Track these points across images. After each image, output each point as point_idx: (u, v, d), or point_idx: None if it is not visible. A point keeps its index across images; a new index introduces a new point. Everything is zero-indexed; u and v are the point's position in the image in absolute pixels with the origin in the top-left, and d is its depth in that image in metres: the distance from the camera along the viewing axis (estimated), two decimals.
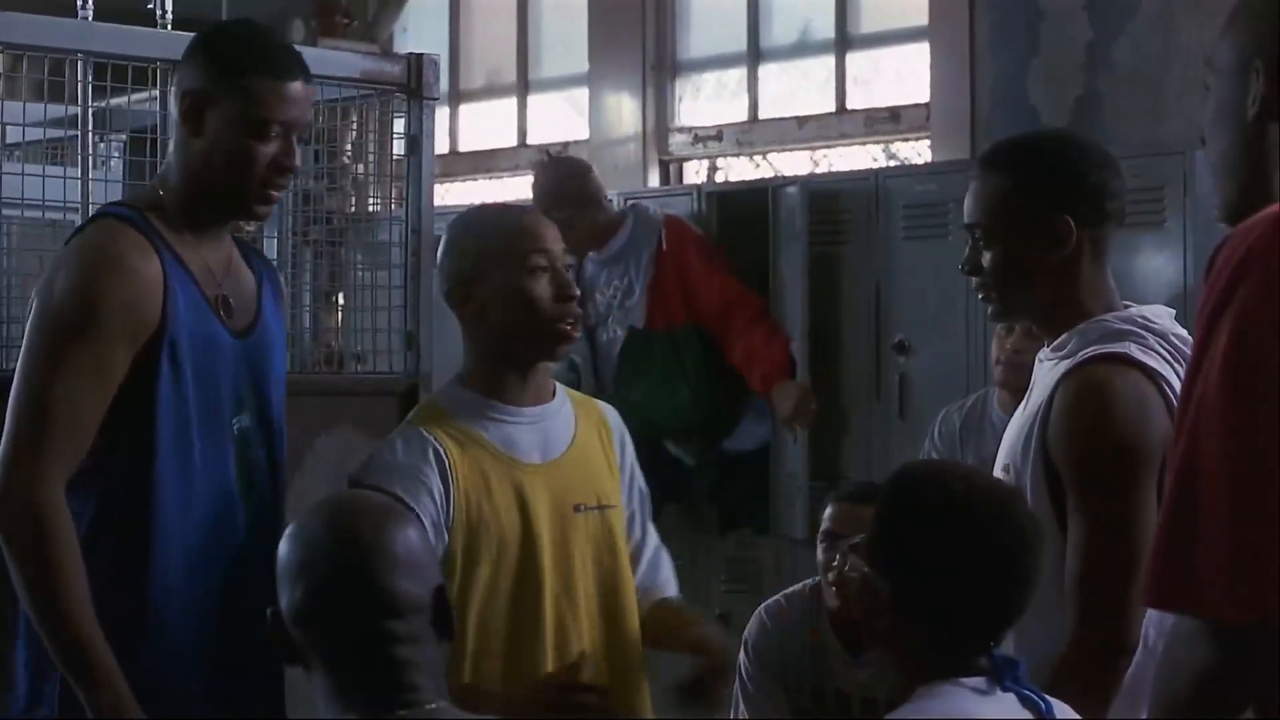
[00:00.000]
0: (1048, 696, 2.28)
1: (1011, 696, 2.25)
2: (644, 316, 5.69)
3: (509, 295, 2.86)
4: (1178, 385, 2.62)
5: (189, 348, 2.75)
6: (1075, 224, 2.68)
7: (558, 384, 3.02)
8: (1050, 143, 2.86)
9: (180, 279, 2.76)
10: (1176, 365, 2.64)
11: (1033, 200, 2.70)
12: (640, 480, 3.12)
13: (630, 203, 6.03)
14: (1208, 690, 1.74)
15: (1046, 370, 2.71)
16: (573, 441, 2.96)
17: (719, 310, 5.67)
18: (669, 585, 3.12)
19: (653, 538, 3.13)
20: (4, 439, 2.67)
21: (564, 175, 5.71)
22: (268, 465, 2.90)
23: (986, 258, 2.75)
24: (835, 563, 3.89)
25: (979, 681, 2.24)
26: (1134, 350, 2.61)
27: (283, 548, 2.21)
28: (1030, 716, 2.24)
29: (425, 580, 2.18)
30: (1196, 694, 1.75)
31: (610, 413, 3.11)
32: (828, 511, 4.03)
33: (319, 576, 2.15)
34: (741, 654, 4.13)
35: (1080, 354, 2.63)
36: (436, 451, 2.84)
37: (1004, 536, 2.25)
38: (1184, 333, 2.69)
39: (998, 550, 2.24)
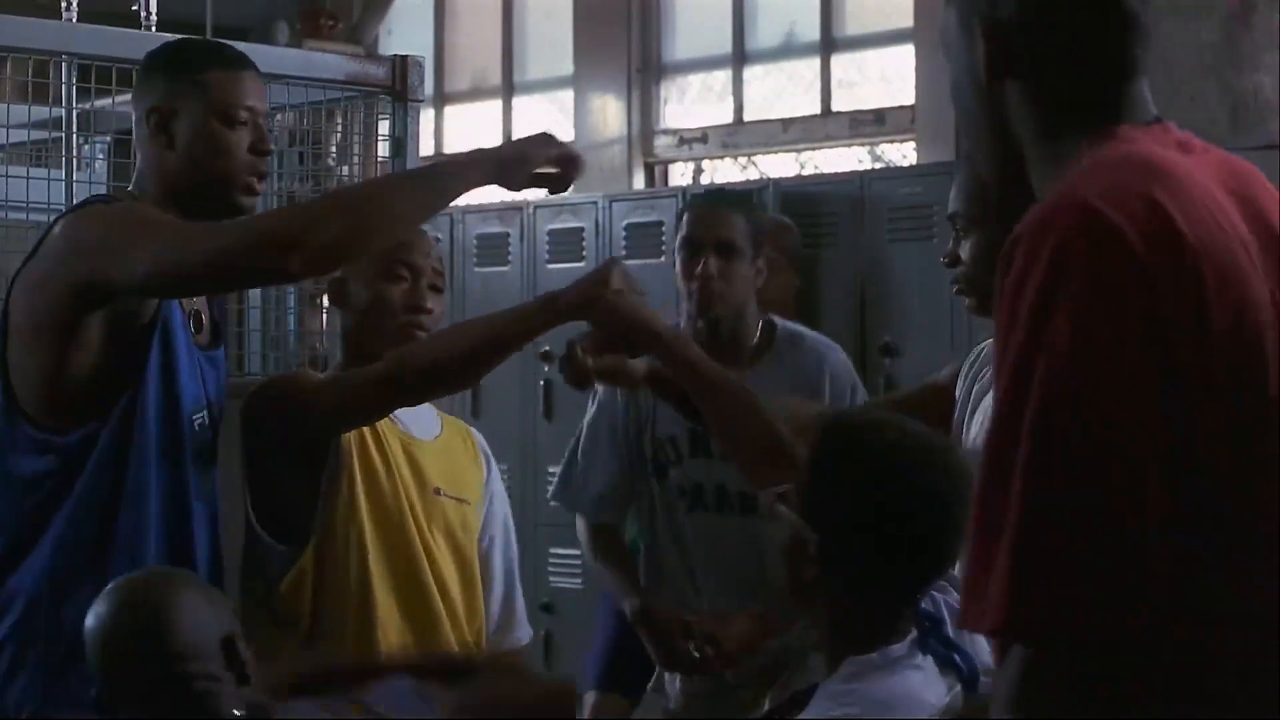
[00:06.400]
0: (966, 650, 2.24)
1: (930, 661, 2.23)
2: None
3: (368, 296, 3.04)
4: None
5: (173, 339, 2.79)
6: None
7: None
8: None
9: None
10: None
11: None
12: (505, 510, 3.25)
13: None
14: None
15: None
16: (438, 436, 3.15)
17: None
18: (523, 628, 3.27)
19: (510, 573, 3.23)
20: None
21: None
22: (210, 476, 2.93)
23: (965, 247, 2.76)
24: (698, 270, 3.53)
25: (902, 647, 2.23)
26: None
27: (87, 629, 2.41)
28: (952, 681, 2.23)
29: (210, 631, 2.38)
30: None
31: (477, 434, 3.29)
32: (686, 219, 3.67)
33: (119, 638, 2.38)
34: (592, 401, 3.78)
35: None
36: None
37: (938, 483, 2.21)
38: None
39: (930, 496, 2.21)
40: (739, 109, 8.20)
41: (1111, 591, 1.46)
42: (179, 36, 3.13)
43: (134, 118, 2.89)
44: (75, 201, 3.59)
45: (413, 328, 3.03)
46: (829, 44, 7.82)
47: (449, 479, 3.10)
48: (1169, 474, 1.48)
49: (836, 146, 7.85)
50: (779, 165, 8.09)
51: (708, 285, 3.52)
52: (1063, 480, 1.47)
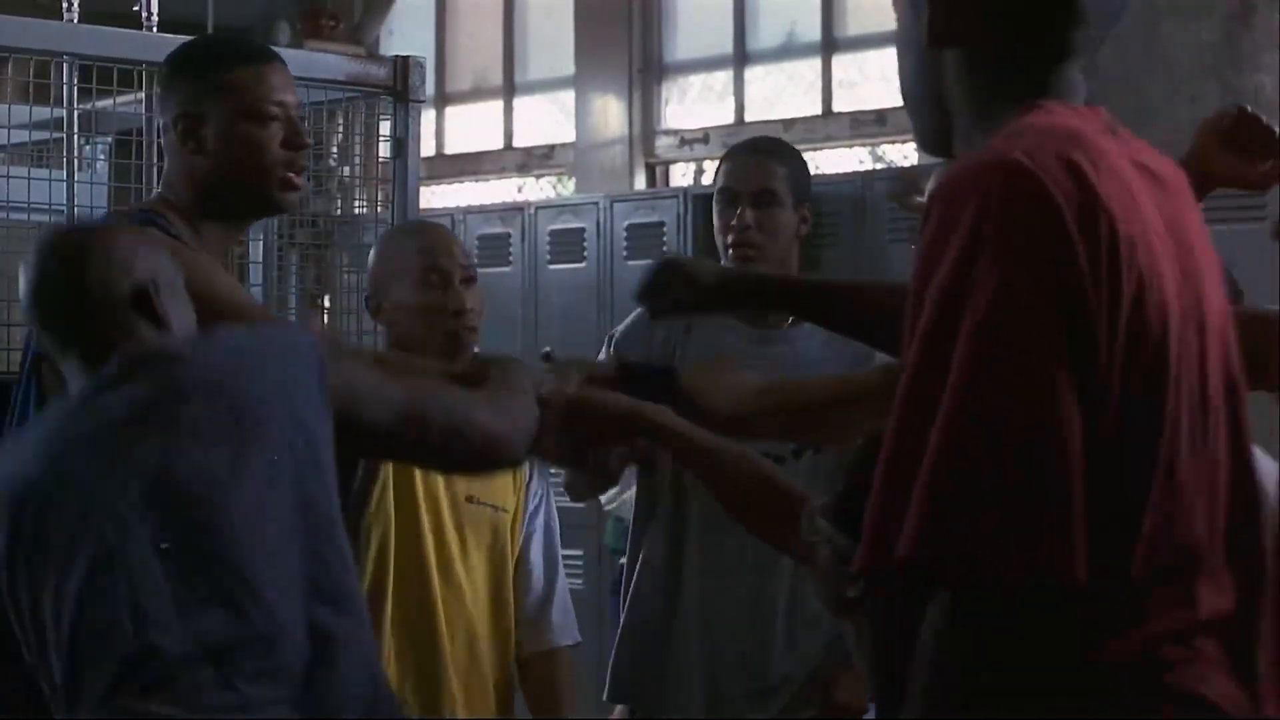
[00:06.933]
0: None
1: None
2: None
3: (405, 306, 3.05)
4: None
5: None
6: None
7: None
8: None
9: None
10: None
11: None
12: (547, 515, 3.23)
13: None
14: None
15: None
16: None
17: None
18: (560, 632, 3.22)
19: (549, 574, 3.21)
20: None
21: None
22: None
23: None
24: (734, 222, 3.35)
25: None
26: None
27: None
28: None
29: (118, 282, 2.30)
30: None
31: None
32: (723, 168, 3.49)
33: (34, 289, 2.33)
34: (605, 350, 3.54)
35: None
36: None
37: None
38: None
39: None
40: (740, 109, 8.20)
41: (1033, 527, 1.47)
42: (192, 36, 3.09)
43: (159, 124, 2.82)
44: (76, 203, 3.59)
45: (460, 329, 3.04)
46: (830, 44, 7.82)
47: (481, 485, 3.09)
48: (1091, 420, 1.50)
49: (838, 147, 7.85)
50: None
51: (744, 237, 3.31)
52: (988, 416, 1.49)
